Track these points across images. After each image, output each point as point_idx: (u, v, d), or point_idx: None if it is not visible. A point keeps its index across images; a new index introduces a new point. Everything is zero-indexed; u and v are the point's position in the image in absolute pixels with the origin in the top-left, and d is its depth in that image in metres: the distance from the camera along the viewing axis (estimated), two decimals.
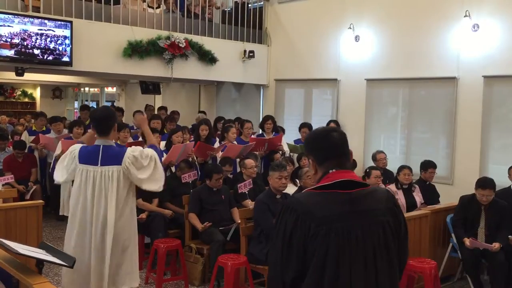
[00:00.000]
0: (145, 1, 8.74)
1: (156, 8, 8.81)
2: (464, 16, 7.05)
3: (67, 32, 7.25)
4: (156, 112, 9.68)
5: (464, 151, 7.20)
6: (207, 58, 8.91)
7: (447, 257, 5.51)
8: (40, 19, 7.05)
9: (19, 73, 7.28)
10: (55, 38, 7.15)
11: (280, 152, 7.15)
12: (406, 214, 5.03)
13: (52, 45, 7.13)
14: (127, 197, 3.69)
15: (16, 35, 6.85)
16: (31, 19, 6.97)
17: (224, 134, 7.15)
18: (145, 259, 5.51)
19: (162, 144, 6.60)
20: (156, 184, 3.72)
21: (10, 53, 6.86)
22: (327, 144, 2.07)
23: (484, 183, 5.12)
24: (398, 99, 8.17)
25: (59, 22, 7.20)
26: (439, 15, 7.41)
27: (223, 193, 5.56)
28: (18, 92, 17.08)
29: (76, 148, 3.72)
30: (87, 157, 3.64)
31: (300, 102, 9.69)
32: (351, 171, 2.07)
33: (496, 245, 4.90)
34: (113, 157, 3.63)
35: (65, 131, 7.85)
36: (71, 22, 7.31)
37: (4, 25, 6.75)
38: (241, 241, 4.90)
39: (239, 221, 5.01)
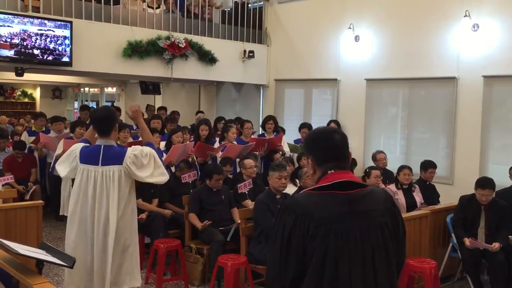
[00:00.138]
0: (145, 1, 8.74)
1: (156, 8, 8.80)
2: (464, 16, 7.06)
3: (67, 32, 7.25)
4: (155, 112, 9.69)
5: (464, 151, 7.20)
6: (207, 58, 8.91)
7: (447, 257, 5.50)
8: (40, 19, 7.05)
9: (19, 73, 7.29)
10: (55, 38, 7.15)
11: (280, 152, 7.15)
12: (406, 214, 5.04)
13: (52, 45, 7.13)
14: (129, 197, 3.70)
15: (16, 35, 6.85)
16: (31, 19, 6.97)
17: (224, 134, 7.15)
18: (145, 259, 5.50)
19: (162, 144, 6.62)
20: (161, 178, 3.73)
21: (10, 53, 6.86)
22: (327, 145, 2.06)
23: (484, 183, 5.12)
24: (398, 99, 8.17)
25: (59, 22, 7.20)
26: (439, 15, 7.41)
27: (223, 193, 5.55)
28: (18, 92, 17.07)
29: (77, 147, 3.73)
30: (88, 157, 3.64)
31: (300, 102, 9.69)
32: (350, 171, 2.07)
33: (496, 245, 4.90)
34: (114, 157, 3.63)
35: (66, 131, 7.86)
36: (71, 22, 7.31)
37: (4, 25, 6.75)
38: (241, 241, 4.90)
39: (239, 221, 5.01)
